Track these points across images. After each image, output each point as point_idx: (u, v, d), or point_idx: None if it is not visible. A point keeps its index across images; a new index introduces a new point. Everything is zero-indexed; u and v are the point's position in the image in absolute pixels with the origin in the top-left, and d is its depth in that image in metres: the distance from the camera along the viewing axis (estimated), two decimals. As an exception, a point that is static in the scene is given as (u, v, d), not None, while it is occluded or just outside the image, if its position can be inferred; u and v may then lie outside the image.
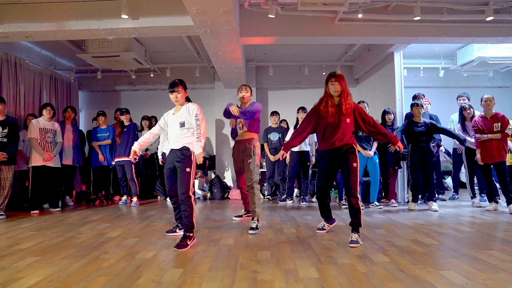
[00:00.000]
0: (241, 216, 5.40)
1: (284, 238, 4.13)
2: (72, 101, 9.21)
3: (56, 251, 3.56)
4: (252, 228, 4.43)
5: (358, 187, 3.94)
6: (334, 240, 4.00)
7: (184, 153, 3.89)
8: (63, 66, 8.96)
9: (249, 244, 3.82)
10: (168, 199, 7.61)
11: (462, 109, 6.39)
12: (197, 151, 3.87)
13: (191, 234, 3.82)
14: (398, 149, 4.08)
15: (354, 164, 3.90)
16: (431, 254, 3.35)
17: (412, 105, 6.15)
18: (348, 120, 3.91)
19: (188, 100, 4.09)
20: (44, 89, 8.12)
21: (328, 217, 4.41)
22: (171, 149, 3.99)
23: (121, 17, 4.83)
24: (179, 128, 3.93)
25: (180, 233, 4.09)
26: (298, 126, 4.21)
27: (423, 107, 6.05)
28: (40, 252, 3.53)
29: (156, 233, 4.43)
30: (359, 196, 3.92)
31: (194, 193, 3.93)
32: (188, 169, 3.85)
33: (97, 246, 3.75)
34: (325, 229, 4.40)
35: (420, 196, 6.41)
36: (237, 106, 4.72)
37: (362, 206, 3.96)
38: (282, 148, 4.14)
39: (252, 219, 4.63)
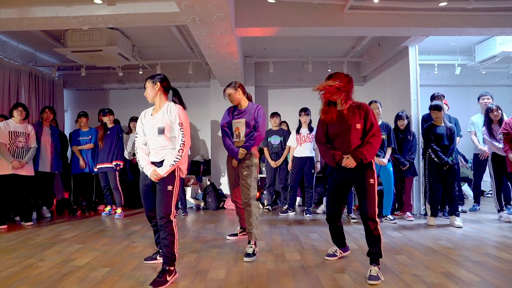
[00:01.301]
0: (236, 235, 4.67)
1: (287, 267, 3.40)
2: (56, 100, 8.47)
3: (-1, 291, 2.83)
4: (248, 255, 3.69)
5: (377, 209, 3.21)
6: (347, 271, 3.27)
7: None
8: (45, 62, 8.21)
9: (244, 279, 3.09)
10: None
11: (488, 111, 5.65)
12: (164, 169, 3.10)
13: (171, 268, 3.08)
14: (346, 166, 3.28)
15: (371, 181, 3.19)
16: (475, 299, 2.62)
17: (429, 109, 5.43)
18: (358, 126, 3.28)
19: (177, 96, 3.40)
20: (22, 88, 7.38)
21: (341, 243, 3.69)
22: (151, 162, 3.25)
23: (94, 3, 4.07)
24: (157, 135, 3.19)
25: (161, 260, 3.32)
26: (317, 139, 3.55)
27: (441, 110, 5.30)
28: (-21, 293, 2.80)
29: (133, 259, 3.69)
30: (378, 220, 3.20)
31: (175, 216, 3.19)
32: (169, 187, 3.12)
33: (55, 282, 3.02)
34: (336, 255, 3.66)
35: (439, 208, 5.67)
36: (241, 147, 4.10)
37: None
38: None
39: (249, 242, 3.89)
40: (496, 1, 4.90)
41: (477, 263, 3.45)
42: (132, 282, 3.03)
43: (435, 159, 5.22)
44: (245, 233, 4.42)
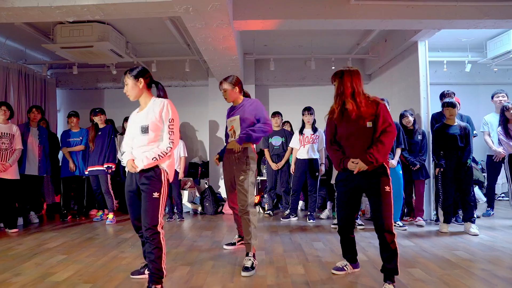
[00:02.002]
0: (234, 244, 4.30)
1: (289, 283, 3.05)
2: (48, 99, 8.10)
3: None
4: (246, 269, 3.33)
5: (393, 222, 2.85)
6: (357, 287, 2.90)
7: (149, 172, 2.80)
8: (36, 59, 7.85)
9: (241, 301, 2.72)
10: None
11: (504, 109, 5.27)
12: (145, 161, 2.75)
13: (158, 287, 2.71)
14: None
15: (387, 188, 2.85)
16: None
17: (442, 105, 5.05)
18: (369, 125, 2.92)
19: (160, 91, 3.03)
20: (11, 87, 7.02)
21: (352, 258, 3.30)
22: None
23: (77, -9, 3.72)
24: (141, 134, 2.82)
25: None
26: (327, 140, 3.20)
27: (455, 107, 4.92)
28: None
29: (118, 274, 3.32)
30: (395, 232, 2.83)
31: (163, 226, 2.82)
32: (156, 194, 2.76)
33: (26, 303, 2.66)
34: (345, 270, 3.28)
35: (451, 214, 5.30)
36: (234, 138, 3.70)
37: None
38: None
39: (247, 254, 3.52)
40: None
41: (502, 278, 3.08)
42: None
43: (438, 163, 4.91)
44: (243, 242, 4.02)
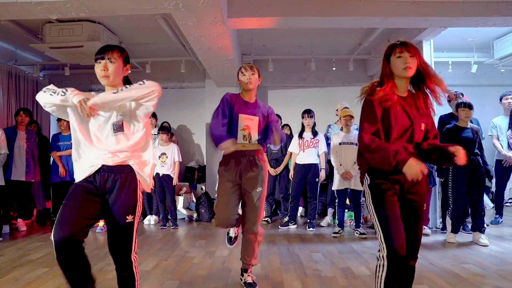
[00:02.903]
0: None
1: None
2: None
3: None
4: (250, 285, 3.06)
5: None
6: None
7: (124, 177, 2.26)
8: (27, 60, 7.62)
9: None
10: (146, 219, 6.32)
11: (514, 112, 5.01)
12: (103, 97, 2.14)
13: None
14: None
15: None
16: None
17: (457, 106, 4.74)
18: (422, 126, 2.26)
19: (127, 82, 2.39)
20: (0, 88, 6.79)
21: None
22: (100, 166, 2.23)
23: (59, -14, 3.46)
24: (112, 132, 2.24)
25: None
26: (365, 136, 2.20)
27: (472, 109, 4.63)
28: None
29: (102, 290, 3.06)
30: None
31: (136, 252, 2.31)
32: (129, 217, 2.23)
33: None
34: None
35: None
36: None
37: None
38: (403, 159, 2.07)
39: (245, 270, 3.19)
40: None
41: (519, 297, 2.81)
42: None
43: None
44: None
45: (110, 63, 2.25)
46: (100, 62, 2.25)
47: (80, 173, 2.21)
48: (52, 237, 2.05)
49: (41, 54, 7.21)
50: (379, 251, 2.10)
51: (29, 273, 3.56)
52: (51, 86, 2.22)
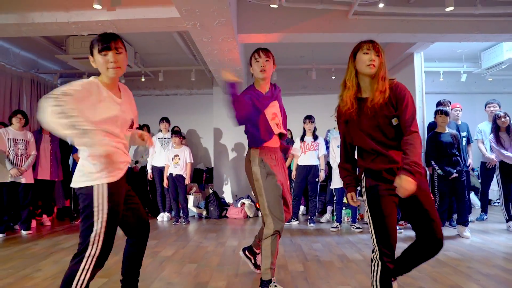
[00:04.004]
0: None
1: (289, 279, 3.29)
2: (58, 107, 8.42)
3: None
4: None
5: None
6: (352, 283, 3.16)
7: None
8: (47, 69, 8.18)
9: (244, 292, 2.98)
10: (160, 216, 6.83)
11: (496, 118, 5.52)
12: None
13: None
14: None
15: (431, 196, 2.36)
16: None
17: (435, 112, 5.30)
18: (394, 122, 2.25)
19: None
20: (24, 95, 7.35)
21: None
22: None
23: (93, 8, 4.01)
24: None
25: None
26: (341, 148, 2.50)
27: (448, 115, 5.18)
28: (-30, 305, 2.70)
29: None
30: None
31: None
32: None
33: (50, 294, 2.93)
34: None
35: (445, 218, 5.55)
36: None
37: None
38: (349, 191, 2.46)
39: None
40: (503, 6, 4.80)
41: (487, 275, 3.33)
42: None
43: (439, 171, 5.11)
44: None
45: (118, 54, 2.13)
46: (105, 54, 2.11)
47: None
48: None
49: (60, 62, 7.77)
50: (373, 252, 2.25)
51: (65, 257, 4.07)
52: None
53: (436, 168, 5.18)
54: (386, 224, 2.18)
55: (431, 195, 2.51)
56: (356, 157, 2.46)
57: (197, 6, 3.68)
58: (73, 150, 6.71)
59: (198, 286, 3.12)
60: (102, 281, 3.24)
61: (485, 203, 6.35)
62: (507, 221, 5.47)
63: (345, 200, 6.15)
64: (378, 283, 2.21)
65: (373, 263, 2.25)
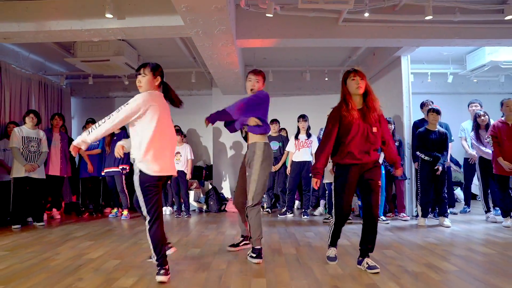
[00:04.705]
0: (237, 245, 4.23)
1: (283, 260, 3.70)
2: (63, 107, 8.82)
3: (23, 278, 3.13)
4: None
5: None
6: (338, 263, 3.56)
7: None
8: (54, 71, 8.56)
9: (243, 270, 3.38)
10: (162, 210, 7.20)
11: (476, 116, 5.96)
12: (75, 141, 3.06)
13: None
14: (396, 175, 3.77)
15: (380, 183, 3.42)
16: (450, 284, 2.93)
17: (428, 111, 5.70)
18: (375, 130, 3.30)
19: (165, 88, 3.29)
20: (32, 96, 7.72)
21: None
22: None
23: (105, 17, 4.42)
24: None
25: (169, 252, 3.47)
26: (321, 143, 3.48)
27: (440, 114, 5.61)
28: (5, 280, 3.10)
29: (141, 253, 3.98)
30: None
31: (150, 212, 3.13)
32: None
33: (72, 271, 3.33)
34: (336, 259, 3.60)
35: (429, 210, 5.97)
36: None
37: None
38: (314, 176, 3.41)
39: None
40: (479, 14, 5.23)
41: (458, 256, 3.75)
42: (142, 271, 3.33)
43: (426, 158, 5.52)
44: (246, 241, 4.11)
45: (142, 77, 3.12)
46: (137, 77, 3.15)
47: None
48: None
49: (66, 65, 8.14)
50: (332, 211, 3.44)
51: (79, 244, 4.48)
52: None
53: (422, 156, 5.59)
54: (343, 196, 3.34)
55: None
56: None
57: (200, 16, 4.09)
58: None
59: (202, 266, 3.52)
60: (116, 262, 3.64)
61: (468, 196, 6.79)
62: (486, 212, 5.91)
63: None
64: (331, 233, 3.54)
65: (330, 220, 3.57)
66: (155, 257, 3.07)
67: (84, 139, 3.01)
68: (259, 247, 3.68)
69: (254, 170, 3.74)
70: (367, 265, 3.28)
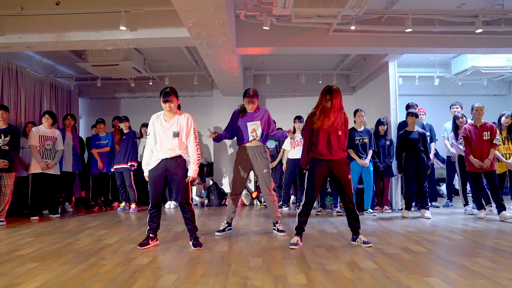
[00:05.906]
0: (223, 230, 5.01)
1: (277, 245, 4.23)
2: (72, 108, 9.33)
3: (54, 257, 3.66)
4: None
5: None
6: (325, 246, 4.10)
7: (180, 162, 4.06)
8: (64, 73, 9.08)
9: (242, 251, 3.92)
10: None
11: (455, 118, 6.50)
12: (190, 173, 4.09)
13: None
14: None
15: (349, 176, 4.20)
16: (418, 261, 3.45)
17: (407, 114, 6.26)
18: (340, 133, 4.19)
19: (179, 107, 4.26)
20: (44, 97, 8.24)
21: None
22: (163, 159, 4.09)
23: (119, 29, 4.95)
24: (172, 137, 4.07)
25: (153, 244, 4.22)
26: (305, 142, 4.37)
27: (418, 117, 6.16)
28: (39, 258, 3.64)
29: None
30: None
31: (192, 200, 4.11)
32: (187, 178, 4.10)
33: (94, 253, 3.86)
34: (298, 245, 4.16)
35: (413, 204, 6.52)
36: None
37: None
38: (304, 169, 4.39)
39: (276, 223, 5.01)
40: (456, 26, 5.77)
41: (431, 241, 4.30)
42: (155, 253, 3.87)
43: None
44: (230, 227, 5.00)
45: (171, 103, 4.02)
46: (165, 103, 4.01)
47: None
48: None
49: (75, 68, 8.68)
50: (303, 199, 4.24)
51: (96, 232, 5.01)
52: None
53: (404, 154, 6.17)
54: (313, 187, 4.15)
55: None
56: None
57: (205, 29, 4.62)
58: (91, 145, 7.61)
59: (206, 249, 4.06)
60: (131, 246, 4.17)
61: (450, 191, 7.34)
62: (464, 205, 6.46)
63: (329, 189, 7.14)
64: (297, 217, 4.30)
65: (299, 206, 4.36)
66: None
67: (194, 169, 4.13)
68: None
69: (267, 166, 4.90)
70: (362, 241, 4.13)
